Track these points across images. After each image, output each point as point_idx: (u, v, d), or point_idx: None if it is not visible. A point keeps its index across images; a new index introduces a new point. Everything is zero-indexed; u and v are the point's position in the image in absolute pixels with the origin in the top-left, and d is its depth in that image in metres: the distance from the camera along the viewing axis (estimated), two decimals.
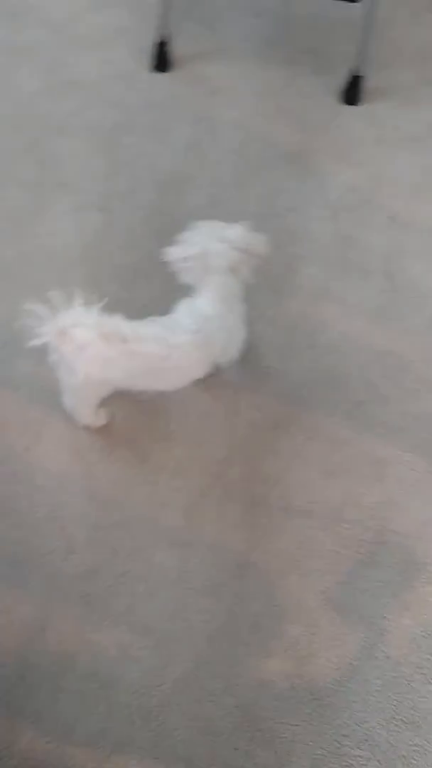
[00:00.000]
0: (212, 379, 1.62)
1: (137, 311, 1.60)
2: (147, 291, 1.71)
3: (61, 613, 1.36)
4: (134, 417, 1.55)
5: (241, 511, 1.46)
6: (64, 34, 2.18)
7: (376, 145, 2.03)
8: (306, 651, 1.34)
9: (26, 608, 1.36)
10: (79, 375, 1.32)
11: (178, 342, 1.37)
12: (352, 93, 2.08)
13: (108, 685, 1.30)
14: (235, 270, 1.42)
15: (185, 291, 1.65)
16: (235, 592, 1.38)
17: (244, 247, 1.41)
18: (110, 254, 1.78)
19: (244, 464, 1.51)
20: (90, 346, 1.28)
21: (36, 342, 1.28)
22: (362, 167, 1.99)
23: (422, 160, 2.01)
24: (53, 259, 1.76)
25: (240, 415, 1.58)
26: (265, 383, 1.63)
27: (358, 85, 2.07)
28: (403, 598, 1.41)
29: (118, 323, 1.32)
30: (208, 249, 1.39)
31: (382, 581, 1.41)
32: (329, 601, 1.39)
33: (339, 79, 2.10)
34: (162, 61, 2.10)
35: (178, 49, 2.12)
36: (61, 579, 1.38)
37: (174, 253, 1.41)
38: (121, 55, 2.14)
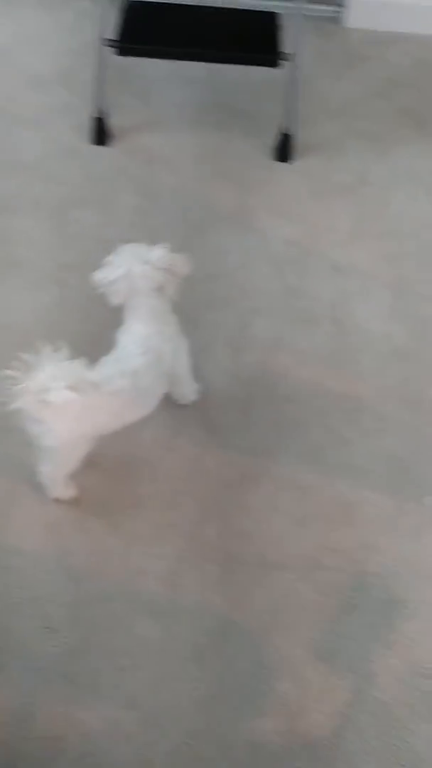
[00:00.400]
0: (176, 440, 1.64)
1: None
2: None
3: (47, 695, 1.33)
4: (102, 485, 1.55)
5: (219, 572, 1.46)
6: (4, 115, 2.24)
7: (311, 197, 2.12)
8: (297, 706, 1.33)
9: (10, 694, 1.33)
10: (59, 434, 1.34)
11: (135, 367, 1.41)
12: (283, 150, 2.18)
13: (101, 765, 1.27)
14: (161, 289, 1.49)
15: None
16: (221, 655, 1.38)
17: (167, 267, 1.47)
18: (66, 325, 1.80)
19: (218, 522, 1.52)
20: (66, 405, 1.27)
21: (12, 408, 1.27)
22: (300, 220, 2.07)
23: (355, 209, 2.10)
24: (11, 334, 1.77)
25: (208, 473, 1.59)
26: (229, 438, 1.65)
27: (289, 143, 2.17)
28: (387, 639, 1.42)
29: (84, 372, 1.33)
30: (133, 271, 1.45)
31: (365, 625, 1.42)
32: (315, 652, 1.39)
33: (270, 138, 2.20)
34: (101, 134, 2.17)
35: (115, 122, 2.20)
36: (44, 660, 1.36)
37: (100, 276, 1.47)
38: (61, 131, 2.21)
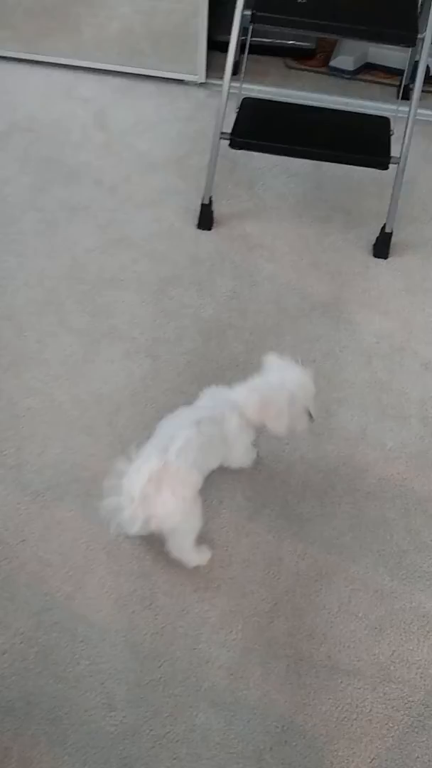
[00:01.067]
0: (251, 524, 1.63)
1: None
2: None
3: None
4: (175, 564, 1.55)
5: (285, 670, 1.42)
6: (119, 194, 2.39)
7: (406, 294, 2.14)
8: None
9: None
10: (169, 514, 1.40)
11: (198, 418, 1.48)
12: (381, 247, 2.22)
13: None
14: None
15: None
16: (281, 758, 1.32)
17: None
18: (156, 398, 1.85)
19: (289, 617, 1.49)
20: (167, 504, 1.38)
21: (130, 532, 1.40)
22: (394, 316, 2.08)
23: None
24: (102, 402, 1.84)
25: (282, 564, 1.57)
26: (306, 529, 1.63)
27: (388, 240, 2.21)
28: None
29: (180, 461, 1.40)
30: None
31: None
32: None
33: (369, 235, 2.25)
34: (206, 219, 2.27)
35: (220, 208, 2.31)
36: (101, 738, 1.34)
37: None
38: (168, 214, 2.33)
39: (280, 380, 1.53)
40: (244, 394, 1.53)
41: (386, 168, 2.10)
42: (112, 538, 1.57)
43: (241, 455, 1.61)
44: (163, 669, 1.42)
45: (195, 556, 1.53)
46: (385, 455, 1.78)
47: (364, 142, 2.17)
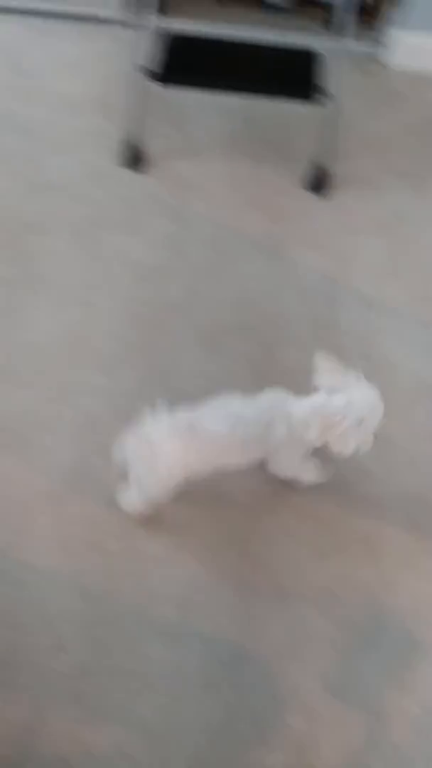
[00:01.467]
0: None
1: (121, 396, 1.65)
2: (130, 377, 1.74)
3: (54, 714, 1.31)
4: (118, 506, 1.54)
5: (233, 599, 1.44)
6: (38, 138, 2.29)
7: (344, 232, 2.14)
8: (309, 742, 1.30)
9: (17, 710, 1.31)
10: (160, 474, 1.42)
11: (240, 416, 1.44)
12: (317, 183, 2.21)
13: None
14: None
15: (164, 380, 1.69)
16: (232, 684, 1.35)
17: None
18: (93, 345, 1.81)
19: (235, 548, 1.51)
20: (168, 451, 1.40)
21: (119, 457, 1.43)
22: (332, 253, 2.08)
23: (389, 246, 2.11)
24: (34, 352, 1.79)
25: (230, 499, 1.58)
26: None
27: (324, 176, 2.20)
28: (402, 679, 1.39)
29: (182, 419, 1.42)
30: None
31: (380, 663, 1.40)
32: (328, 687, 1.36)
33: (305, 172, 2.22)
34: (135, 160, 2.21)
35: (150, 148, 2.24)
36: (52, 677, 1.34)
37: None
38: (94, 156, 2.25)
39: (347, 401, 1.40)
40: (306, 413, 1.43)
41: (317, 102, 2.07)
42: (55, 486, 1.56)
43: (288, 466, 1.55)
44: (112, 608, 1.42)
45: (139, 510, 1.52)
46: None
47: (294, 77, 2.13)
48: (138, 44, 2.11)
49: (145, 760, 1.27)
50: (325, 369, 1.46)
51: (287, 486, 1.60)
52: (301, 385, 1.79)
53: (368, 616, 1.45)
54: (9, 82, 2.46)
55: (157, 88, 2.10)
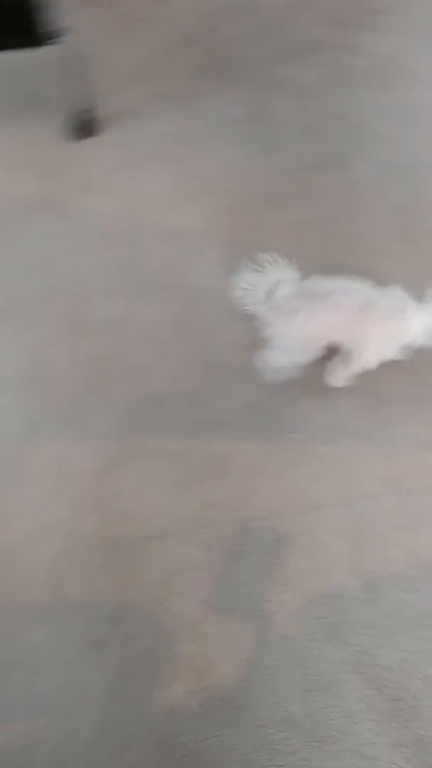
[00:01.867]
0: (34, 444, 1.59)
1: None
2: None
3: None
4: None
5: (103, 558, 1.45)
6: None
7: (123, 169, 2.10)
8: (204, 663, 1.35)
9: None
10: (287, 333, 1.48)
11: (364, 294, 1.50)
12: (83, 127, 2.14)
13: None
14: None
15: None
16: (120, 637, 1.37)
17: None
18: None
19: (95, 512, 1.51)
20: (297, 311, 1.45)
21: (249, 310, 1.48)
22: (117, 194, 2.04)
23: (170, 171, 2.09)
24: None
25: (75, 468, 1.57)
26: (87, 426, 1.63)
27: (87, 118, 2.13)
28: (278, 576, 1.46)
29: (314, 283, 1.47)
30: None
31: (255, 568, 1.46)
32: (212, 607, 1.41)
33: (67, 118, 2.14)
34: None
35: None
36: None
37: None
38: None
39: None
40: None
41: (51, 44, 1.96)
42: None
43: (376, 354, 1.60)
44: None
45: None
46: (144, 333, 1.80)
47: (14, 22, 1.93)
48: None
49: (54, 737, 1.28)
50: None
51: (131, 436, 1.60)
52: (114, 331, 1.77)
53: (233, 529, 1.50)
54: None
55: None
